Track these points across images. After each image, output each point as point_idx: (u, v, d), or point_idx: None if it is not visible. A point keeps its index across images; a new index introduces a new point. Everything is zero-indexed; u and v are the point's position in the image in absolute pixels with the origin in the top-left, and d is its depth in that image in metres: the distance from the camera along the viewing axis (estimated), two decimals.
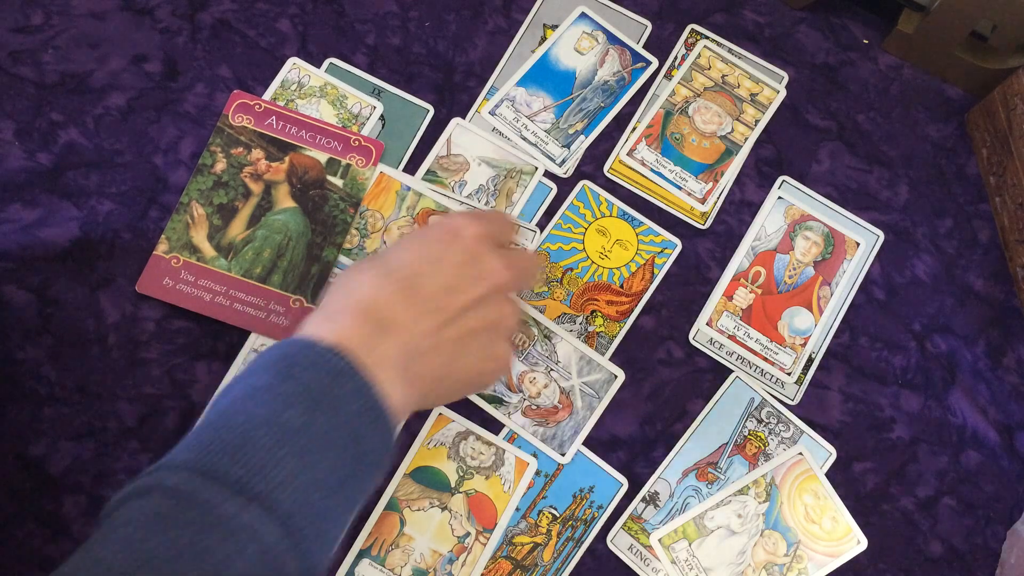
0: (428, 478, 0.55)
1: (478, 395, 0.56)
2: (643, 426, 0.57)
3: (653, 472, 0.57)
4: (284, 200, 0.58)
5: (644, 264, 0.60)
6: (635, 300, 0.59)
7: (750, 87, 0.64)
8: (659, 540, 0.55)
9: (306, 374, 0.39)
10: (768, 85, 0.64)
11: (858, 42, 0.66)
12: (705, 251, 0.61)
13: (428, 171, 0.60)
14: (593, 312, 0.59)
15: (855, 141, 0.64)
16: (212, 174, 0.58)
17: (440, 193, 0.59)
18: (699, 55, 0.64)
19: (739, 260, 0.61)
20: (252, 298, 0.56)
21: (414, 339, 0.43)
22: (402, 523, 0.54)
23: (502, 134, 0.61)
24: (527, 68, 0.63)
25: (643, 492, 0.56)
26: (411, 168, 0.60)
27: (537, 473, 0.56)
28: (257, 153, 0.58)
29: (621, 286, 0.59)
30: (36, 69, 0.59)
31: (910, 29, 0.63)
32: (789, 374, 0.59)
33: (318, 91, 0.60)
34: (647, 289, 0.60)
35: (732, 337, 0.59)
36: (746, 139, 0.63)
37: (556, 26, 0.64)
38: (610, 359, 0.58)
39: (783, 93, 0.64)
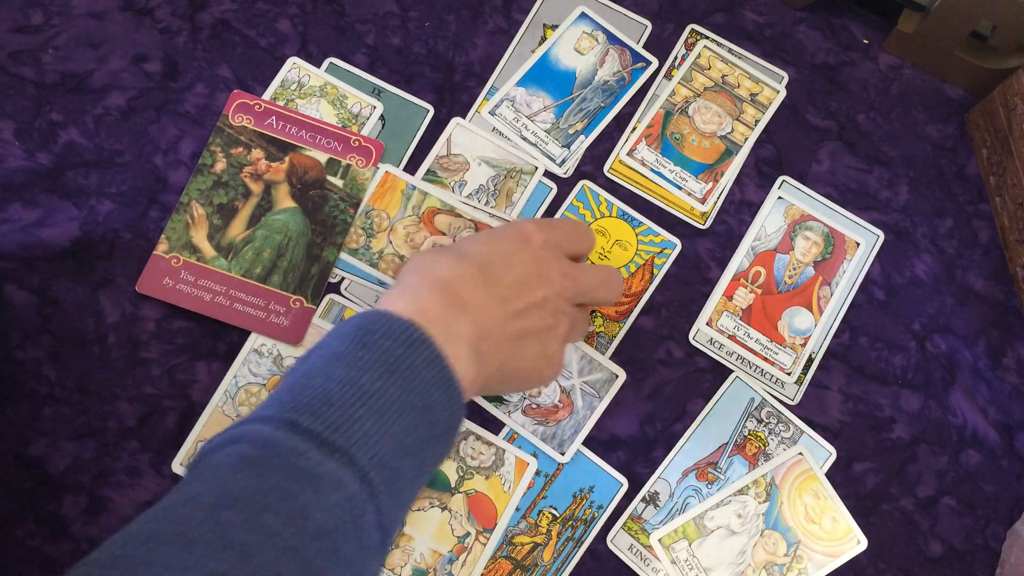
0: None
1: None
2: (643, 426, 0.57)
3: (653, 472, 0.57)
4: (284, 200, 0.58)
5: (644, 264, 0.60)
6: (635, 300, 0.59)
7: (750, 87, 0.64)
8: (659, 540, 0.55)
9: (383, 342, 0.41)
10: (768, 85, 0.64)
11: (858, 42, 0.66)
12: (705, 251, 0.61)
13: (428, 171, 0.60)
14: (593, 312, 0.59)
15: (855, 141, 0.64)
16: (212, 174, 0.58)
17: (446, 192, 0.59)
18: (699, 55, 0.64)
19: (739, 260, 0.61)
20: (252, 298, 0.56)
21: (484, 322, 0.45)
22: (402, 523, 0.54)
23: (502, 134, 0.61)
24: (527, 68, 0.63)
25: (643, 492, 0.56)
26: (411, 168, 0.60)
27: (537, 473, 0.56)
28: (257, 153, 0.58)
29: None
30: (36, 69, 0.59)
31: (910, 29, 0.63)
32: (789, 374, 0.59)
33: (318, 91, 0.60)
34: (647, 289, 0.60)
35: (732, 337, 0.59)
36: (746, 139, 0.63)
37: (556, 26, 0.64)
38: (610, 359, 0.58)
39: (783, 93, 0.64)
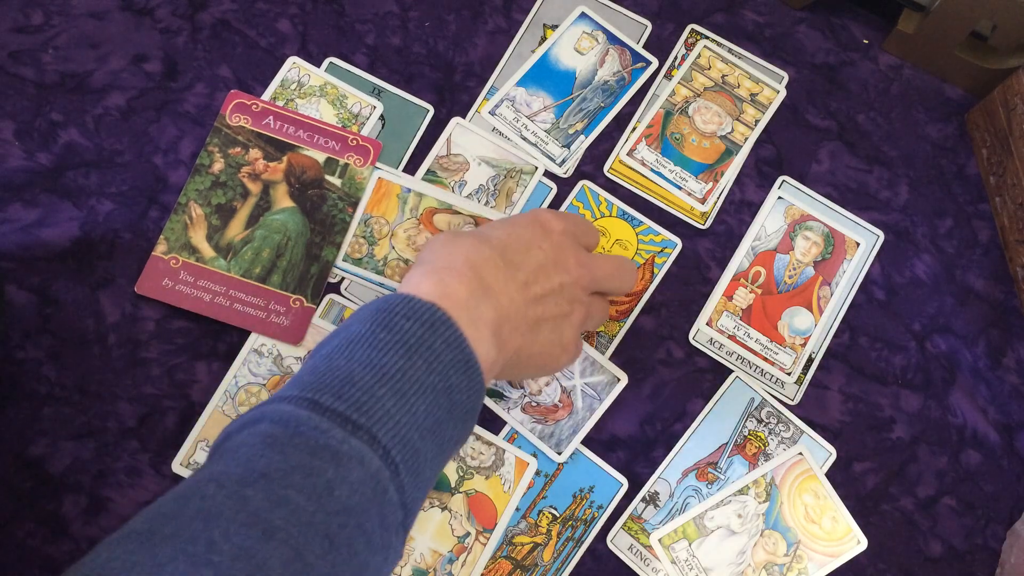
0: None
1: None
2: (643, 426, 0.57)
3: (653, 472, 0.57)
4: (282, 200, 0.58)
5: (644, 264, 0.60)
6: (635, 300, 0.59)
7: (750, 87, 0.64)
8: (659, 540, 0.55)
9: (404, 324, 0.42)
10: (768, 85, 0.64)
11: (858, 42, 0.66)
12: (705, 251, 0.61)
13: (428, 171, 0.60)
14: None
15: (855, 141, 0.64)
16: (210, 174, 0.58)
17: (440, 190, 0.59)
18: (699, 55, 0.64)
19: (739, 260, 0.61)
20: (252, 298, 0.56)
21: (505, 306, 0.45)
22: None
23: (502, 134, 0.61)
24: (527, 68, 0.63)
25: (643, 492, 0.56)
26: (411, 168, 0.60)
27: (537, 473, 0.56)
28: (255, 153, 0.58)
29: None
30: (36, 69, 0.59)
31: (910, 29, 0.63)
32: (789, 374, 0.59)
33: (318, 91, 0.60)
34: (647, 289, 0.59)
35: (732, 337, 0.59)
36: (746, 139, 0.63)
37: (556, 26, 0.64)
38: (610, 359, 0.58)
39: (783, 93, 0.64)
